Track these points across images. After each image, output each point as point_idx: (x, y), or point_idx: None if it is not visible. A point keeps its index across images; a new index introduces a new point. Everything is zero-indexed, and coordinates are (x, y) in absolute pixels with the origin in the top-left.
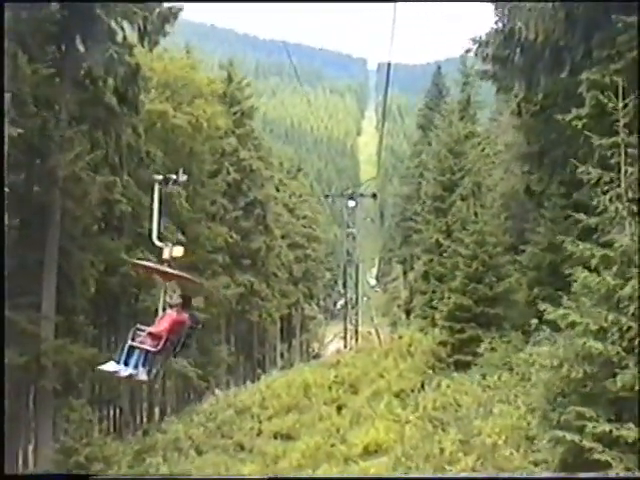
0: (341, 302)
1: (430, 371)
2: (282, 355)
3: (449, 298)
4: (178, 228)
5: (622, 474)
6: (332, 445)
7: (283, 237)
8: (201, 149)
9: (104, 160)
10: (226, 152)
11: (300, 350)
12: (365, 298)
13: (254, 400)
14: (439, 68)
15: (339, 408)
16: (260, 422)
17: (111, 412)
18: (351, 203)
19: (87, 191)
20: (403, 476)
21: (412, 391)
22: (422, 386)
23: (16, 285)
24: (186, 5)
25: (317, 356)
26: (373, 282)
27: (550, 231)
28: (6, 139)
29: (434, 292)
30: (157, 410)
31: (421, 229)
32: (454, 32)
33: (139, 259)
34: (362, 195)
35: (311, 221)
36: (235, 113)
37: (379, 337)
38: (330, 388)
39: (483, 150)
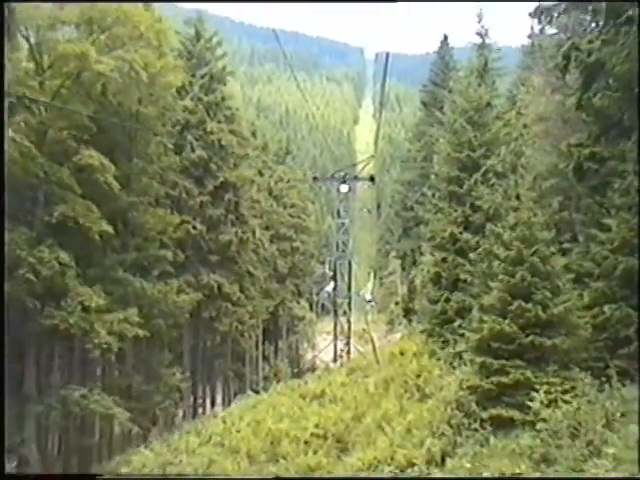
0: (328, 288)
1: (456, 436)
2: (267, 358)
3: (482, 321)
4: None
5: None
6: None
7: (267, 228)
8: (146, 113)
9: None
10: (190, 124)
11: (289, 353)
12: (360, 292)
13: (197, 464)
14: (446, 38)
15: None
16: None
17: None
18: (344, 188)
19: None
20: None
21: (428, 464)
22: (443, 460)
23: None
24: None
25: (300, 374)
26: (369, 296)
27: (623, 224)
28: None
29: (447, 301)
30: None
31: (430, 219)
32: (456, 23)
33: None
34: (357, 178)
35: (300, 210)
36: (203, 76)
37: (375, 350)
38: (308, 444)
39: (509, 121)
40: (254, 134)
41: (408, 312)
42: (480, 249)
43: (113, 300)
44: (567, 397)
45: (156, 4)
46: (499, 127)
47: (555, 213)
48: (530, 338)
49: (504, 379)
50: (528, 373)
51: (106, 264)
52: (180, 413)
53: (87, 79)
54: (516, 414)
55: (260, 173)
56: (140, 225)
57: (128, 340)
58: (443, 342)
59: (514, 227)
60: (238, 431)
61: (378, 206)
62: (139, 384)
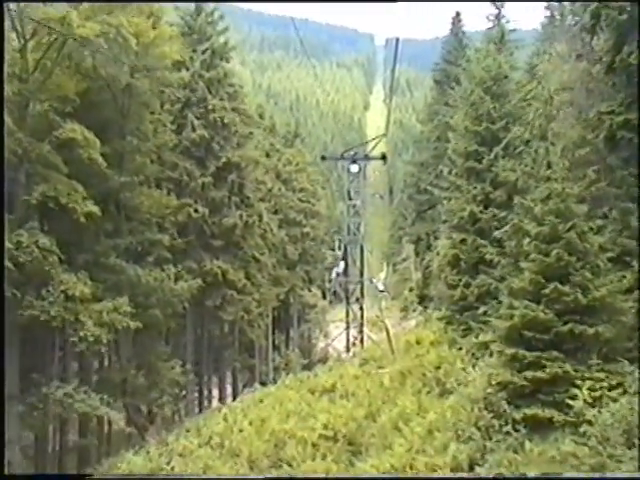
0: (338, 269)
1: (485, 440)
2: (277, 348)
3: (512, 307)
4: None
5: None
6: None
7: (275, 212)
8: (139, 86)
9: None
10: (191, 101)
11: (300, 342)
12: (373, 280)
13: (191, 471)
14: (458, 15)
15: None
16: None
17: None
18: (354, 168)
19: None
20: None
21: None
22: (471, 469)
23: None
24: None
25: (311, 365)
26: (381, 286)
27: None
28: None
29: (468, 285)
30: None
31: (447, 198)
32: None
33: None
34: (368, 157)
35: (310, 194)
36: (204, 51)
37: (390, 339)
38: (315, 447)
39: (530, 91)
40: (261, 116)
41: (423, 298)
42: (507, 226)
43: (105, 288)
44: (614, 394)
45: None
46: (519, 98)
47: (591, 184)
48: (569, 326)
49: (540, 374)
50: (567, 366)
51: (97, 250)
52: (182, 408)
53: (73, 49)
54: (555, 414)
55: (267, 155)
56: (134, 207)
57: (124, 332)
58: (464, 330)
59: (546, 200)
60: (240, 430)
61: (390, 191)
62: (135, 379)
